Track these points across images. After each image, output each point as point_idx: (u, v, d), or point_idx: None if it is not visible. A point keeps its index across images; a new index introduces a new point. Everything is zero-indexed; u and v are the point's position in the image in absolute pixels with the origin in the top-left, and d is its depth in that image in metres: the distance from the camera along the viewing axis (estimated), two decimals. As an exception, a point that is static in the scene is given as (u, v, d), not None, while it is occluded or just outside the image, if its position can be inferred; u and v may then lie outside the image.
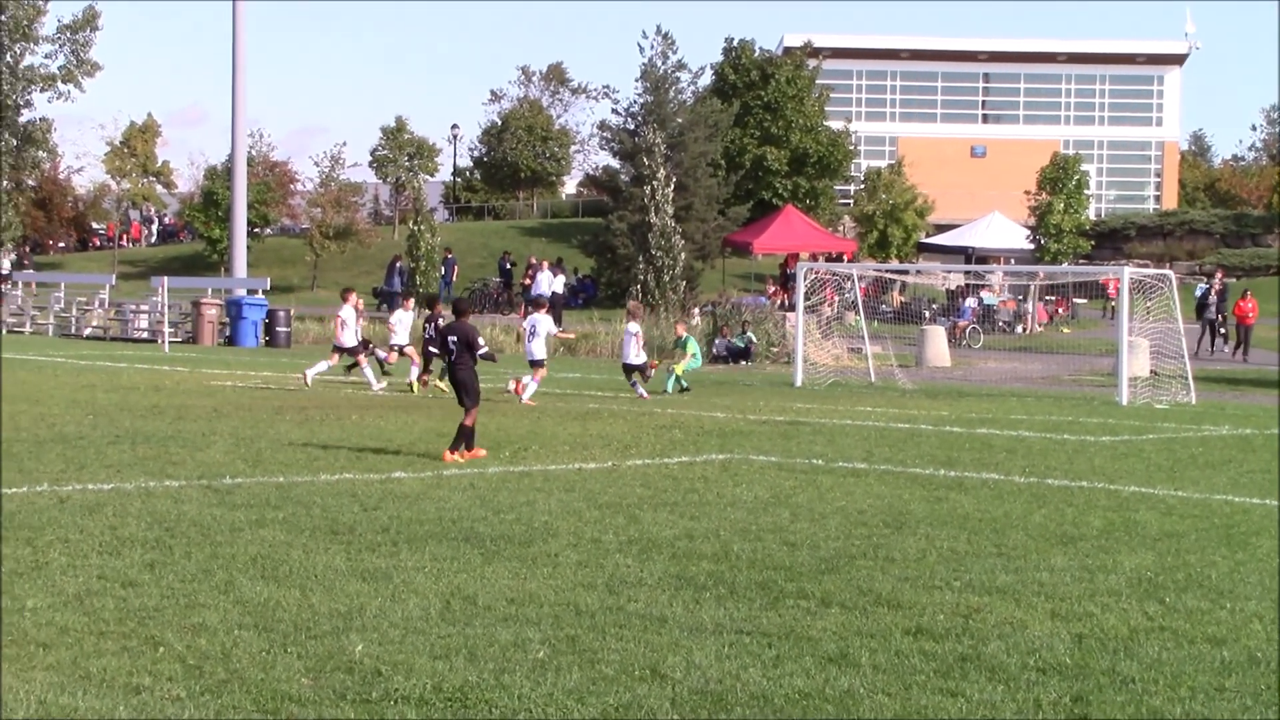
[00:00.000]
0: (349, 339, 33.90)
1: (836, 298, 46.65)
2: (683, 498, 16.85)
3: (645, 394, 32.50)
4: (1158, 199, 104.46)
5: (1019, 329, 64.08)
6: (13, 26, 74.11)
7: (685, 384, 34.88)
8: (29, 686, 8.69)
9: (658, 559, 12.99)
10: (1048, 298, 67.32)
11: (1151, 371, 38.03)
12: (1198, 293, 54.72)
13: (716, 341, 49.22)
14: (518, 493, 16.92)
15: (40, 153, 78.76)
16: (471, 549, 13.25)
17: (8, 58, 74.76)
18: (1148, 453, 23.23)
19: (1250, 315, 51.81)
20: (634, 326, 33.45)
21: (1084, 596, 11.80)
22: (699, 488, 17.76)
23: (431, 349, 31.80)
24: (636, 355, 33.33)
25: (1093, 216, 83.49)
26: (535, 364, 31.60)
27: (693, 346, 36.19)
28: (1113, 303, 67.85)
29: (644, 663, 9.49)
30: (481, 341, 21.44)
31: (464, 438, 20.51)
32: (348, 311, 33.92)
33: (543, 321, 32.49)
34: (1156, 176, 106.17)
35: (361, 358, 34.06)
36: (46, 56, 76.11)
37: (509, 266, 72.36)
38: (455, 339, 21.01)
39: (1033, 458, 22.03)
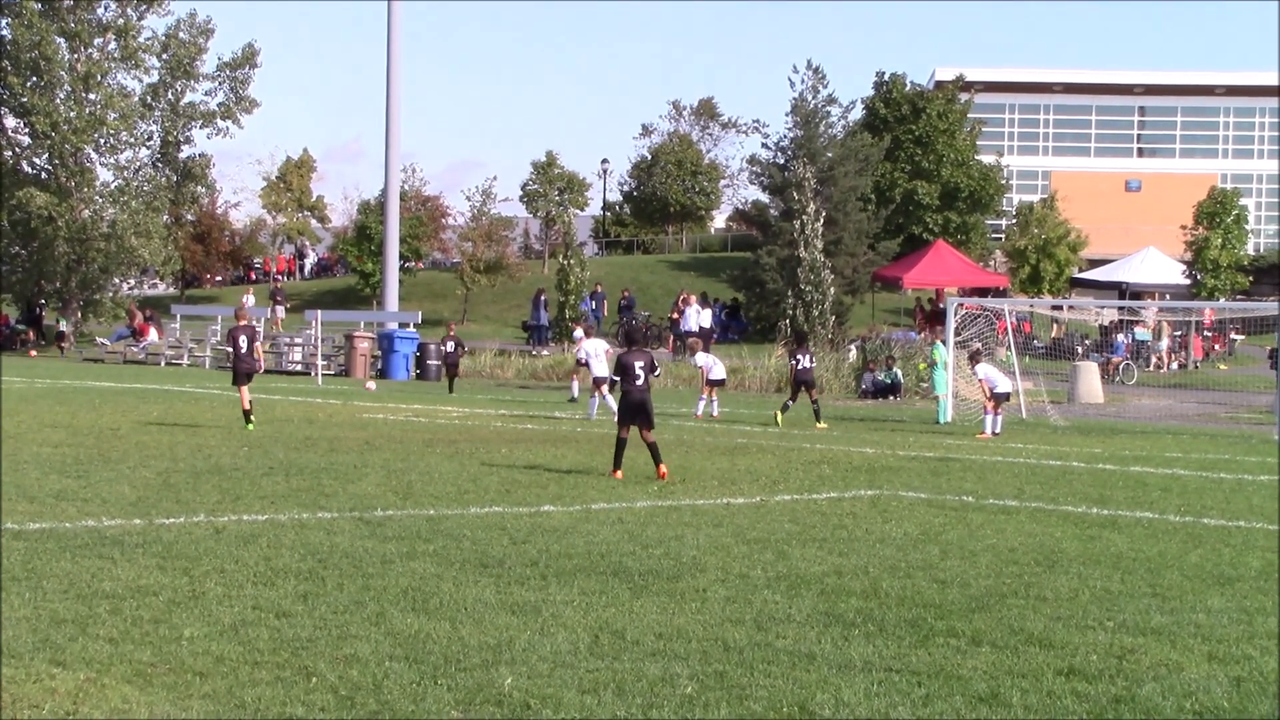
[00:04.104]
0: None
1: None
2: (831, 534, 16.75)
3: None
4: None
5: (1174, 365, 63.11)
6: (174, 65, 75.60)
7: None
8: (186, 714, 8.83)
9: (806, 595, 12.92)
10: (1206, 333, 66.31)
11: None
12: None
13: (864, 376, 49.01)
14: (666, 527, 16.91)
15: (199, 188, 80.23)
16: (620, 583, 13.26)
17: (170, 95, 76.24)
18: (1308, 492, 22.73)
19: None
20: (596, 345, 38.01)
21: (1242, 639, 11.55)
22: (848, 524, 17.65)
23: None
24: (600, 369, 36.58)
25: (1251, 252, 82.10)
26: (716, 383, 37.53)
27: (939, 354, 37.91)
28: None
29: (792, 700, 9.44)
30: (655, 363, 23.27)
31: (657, 453, 22.24)
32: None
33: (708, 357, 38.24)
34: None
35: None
36: (207, 94, 77.62)
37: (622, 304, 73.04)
38: (643, 364, 22.57)
39: (1188, 496, 21.64)
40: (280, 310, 73.52)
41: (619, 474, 22.28)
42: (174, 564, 13.60)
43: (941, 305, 53.82)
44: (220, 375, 54.87)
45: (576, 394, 43.27)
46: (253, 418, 29.63)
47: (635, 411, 22.43)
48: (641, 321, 71.42)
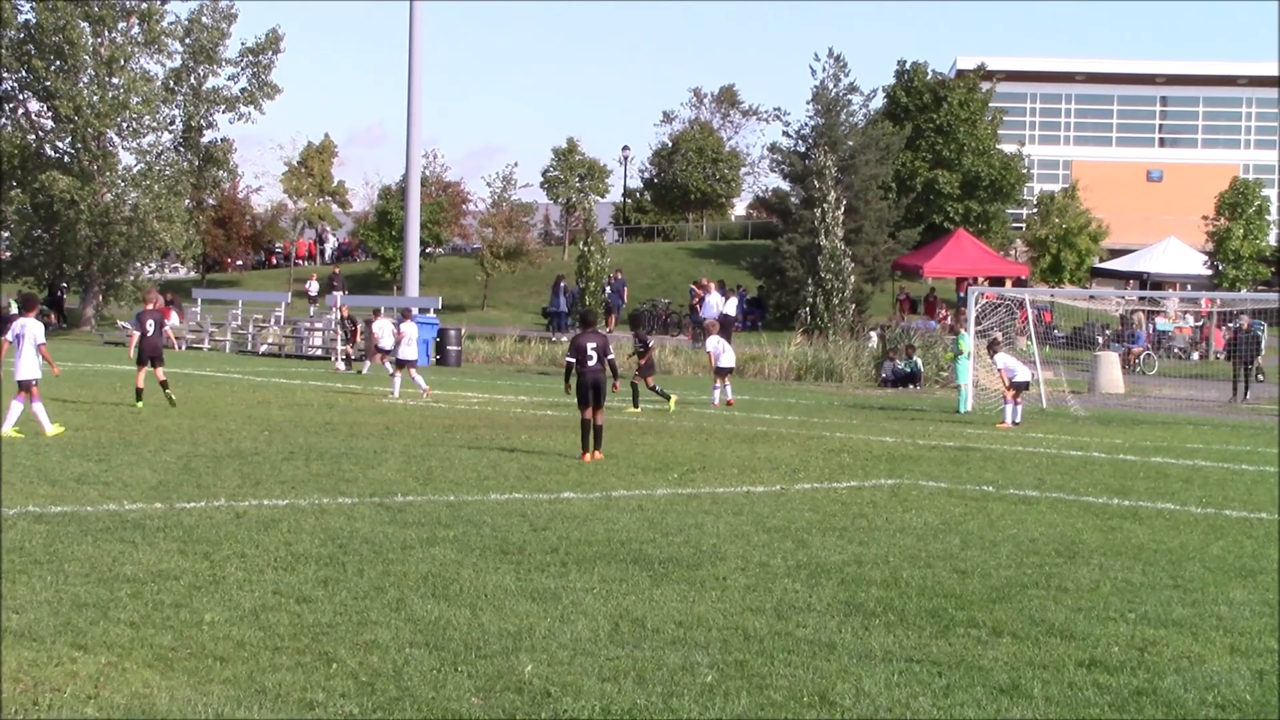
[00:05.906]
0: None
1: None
2: (851, 523, 16.74)
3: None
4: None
5: (1194, 355, 63.03)
6: (197, 49, 75.65)
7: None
8: (207, 699, 8.84)
9: (826, 584, 12.91)
10: (1228, 325, 66.12)
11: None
12: None
13: (884, 365, 48.98)
14: (686, 515, 16.91)
15: (221, 172, 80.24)
16: (640, 571, 13.26)
17: (192, 79, 76.32)
18: (1330, 485, 22.65)
19: None
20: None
21: (1264, 632, 11.52)
22: (868, 513, 17.64)
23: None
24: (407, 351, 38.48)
25: (1273, 243, 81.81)
26: None
27: (964, 344, 37.66)
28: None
29: (813, 689, 9.43)
30: (611, 349, 23.91)
31: (599, 437, 23.12)
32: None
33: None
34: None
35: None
36: (229, 78, 77.63)
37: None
38: (595, 345, 23.25)
39: (1210, 488, 21.59)
40: (338, 295, 73.79)
41: (588, 457, 22.72)
42: (195, 548, 13.63)
43: (969, 294, 53.58)
44: (242, 359, 55.03)
45: (367, 369, 47.99)
46: (144, 400, 30.13)
47: (590, 391, 23.13)
48: (662, 308, 71.42)
